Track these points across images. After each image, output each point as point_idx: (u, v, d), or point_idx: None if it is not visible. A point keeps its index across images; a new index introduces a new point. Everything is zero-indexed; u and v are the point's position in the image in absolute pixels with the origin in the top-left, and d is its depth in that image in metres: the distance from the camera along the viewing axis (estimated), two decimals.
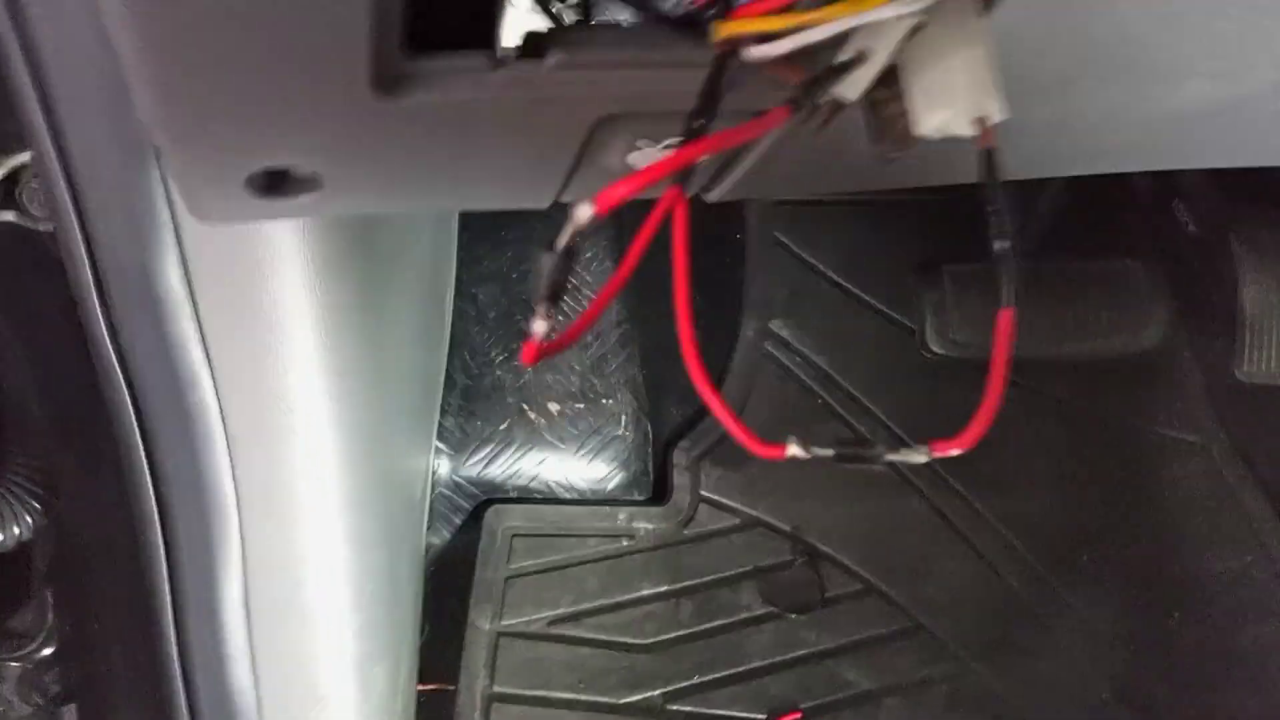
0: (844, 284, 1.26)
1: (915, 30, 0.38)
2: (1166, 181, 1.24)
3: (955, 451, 0.37)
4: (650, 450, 1.24)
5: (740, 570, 1.19)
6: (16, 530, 0.73)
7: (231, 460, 0.67)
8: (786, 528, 1.20)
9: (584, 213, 0.29)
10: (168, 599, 0.70)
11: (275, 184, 0.45)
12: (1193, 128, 0.56)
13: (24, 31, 0.46)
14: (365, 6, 0.33)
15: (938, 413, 1.15)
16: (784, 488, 1.21)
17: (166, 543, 0.68)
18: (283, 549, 0.72)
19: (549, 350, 0.31)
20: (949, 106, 0.37)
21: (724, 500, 1.21)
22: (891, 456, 0.38)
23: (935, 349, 1.22)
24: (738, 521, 1.21)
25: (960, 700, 1.16)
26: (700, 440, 1.22)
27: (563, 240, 0.30)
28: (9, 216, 0.57)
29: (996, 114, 0.37)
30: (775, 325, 1.26)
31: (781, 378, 1.24)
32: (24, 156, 0.55)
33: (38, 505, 0.73)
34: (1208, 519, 1.20)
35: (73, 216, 0.53)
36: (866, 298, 1.26)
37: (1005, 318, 0.37)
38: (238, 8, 0.33)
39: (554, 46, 0.40)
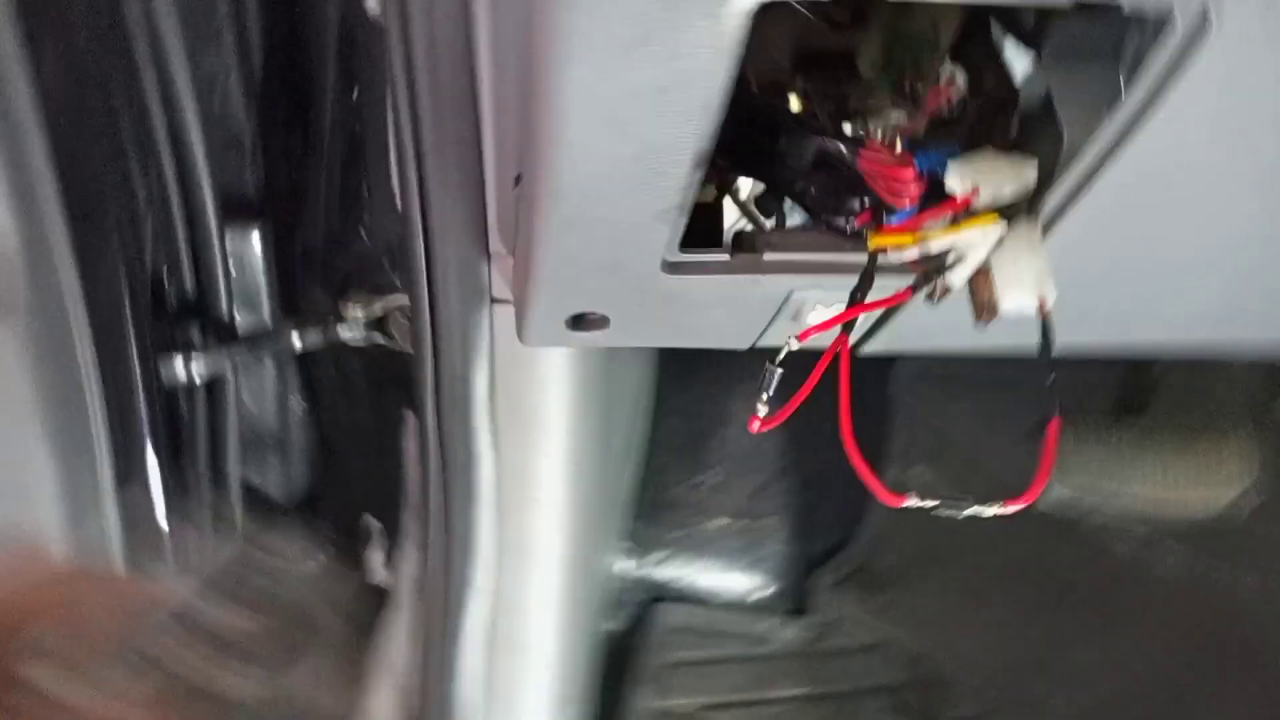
0: (971, 445, 1.43)
1: (999, 243, 0.60)
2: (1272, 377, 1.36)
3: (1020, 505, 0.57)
4: (799, 568, 1.42)
5: (873, 684, 1.34)
6: (380, 577, 1.00)
7: (496, 522, 0.91)
8: (917, 650, 1.35)
9: (793, 341, 0.52)
10: (442, 624, 0.93)
11: (580, 322, 0.70)
12: (1231, 318, 0.75)
13: (428, 238, 0.73)
14: (677, 232, 0.58)
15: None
16: (918, 613, 1.36)
17: (447, 583, 0.92)
18: (519, 592, 0.95)
19: (766, 425, 0.54)
20: (1020, 291, 0.59)
21: (862, 618, 1.37)
22: (968, 511, 0.57)
23: (1059, 498, 1.36)
24: (873, 640, 1.37)
25: None
26: (844, 564, 1.40)
27: (780, 356, 0.53)
28: (380, 340, 0.84)
29: (1051, 297, 0.59)
30: (916, 472, 1.44)
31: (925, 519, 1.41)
32: (399, 299, 0.83)
33: (384, 557, 1.00)
34: None
35: (429, 345, 0.80)
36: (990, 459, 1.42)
37: (1053, 425, 0.57)
38: (605, 243, 0.58)
39: (767, 246, 0.64)
